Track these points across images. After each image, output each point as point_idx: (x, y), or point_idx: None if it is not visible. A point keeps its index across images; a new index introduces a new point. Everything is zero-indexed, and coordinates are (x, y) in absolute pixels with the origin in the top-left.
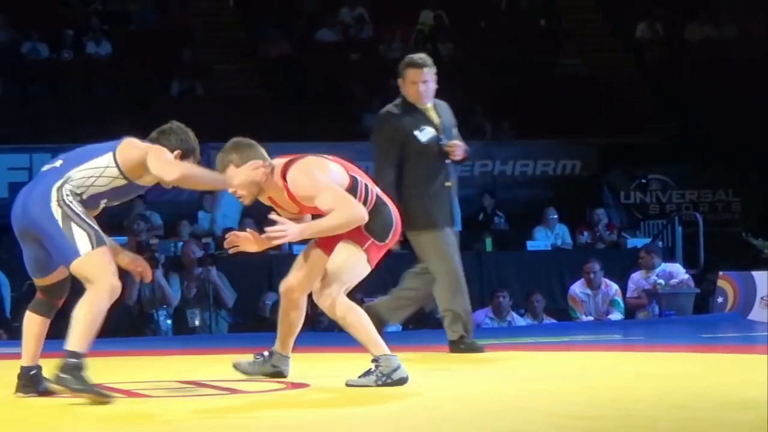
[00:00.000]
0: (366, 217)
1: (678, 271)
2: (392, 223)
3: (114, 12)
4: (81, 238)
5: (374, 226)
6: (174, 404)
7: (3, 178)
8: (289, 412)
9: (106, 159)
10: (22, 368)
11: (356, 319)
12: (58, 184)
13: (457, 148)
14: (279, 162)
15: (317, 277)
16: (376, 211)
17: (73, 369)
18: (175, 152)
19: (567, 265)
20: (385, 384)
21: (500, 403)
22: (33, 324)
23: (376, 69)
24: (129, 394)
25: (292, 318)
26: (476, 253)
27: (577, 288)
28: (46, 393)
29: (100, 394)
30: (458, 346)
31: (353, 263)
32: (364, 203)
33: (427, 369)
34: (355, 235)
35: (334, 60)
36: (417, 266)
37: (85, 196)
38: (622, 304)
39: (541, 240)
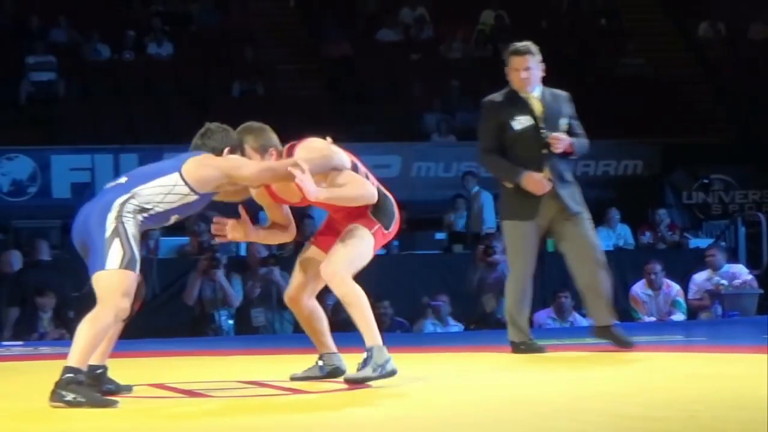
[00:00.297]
0: (376, 197)
1: (741, 271)
2: (395, 212)
3: (175, 13)
4: (114, 255)
5: (380, 213)
6: (234, 404)
7: (65, 178)
8: (351, 411)
9: (173, 178)
10: (89, 366)
11: (360, 302)
12: (122, 199)
13: (558, 140)
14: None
15: (318, 276)
16: (378, 202)
17: (71, 383)
18: (225, 150)
19: (629, 265)
20: (381, 375)
21: (560, 403)
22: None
23: (436, 69)
24: (190, 394)
25: (313, 322)
26: (539, 254)
27: (639, 288)
28: (109, 393)
29: (103, 402)
30: (519, 346)
31: (362, 245)
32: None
33: (488, 369)
34: (363, 220)
35: (394, 60)
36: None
37: (153, 212)
38: (684, 305)
39: (603, 240)
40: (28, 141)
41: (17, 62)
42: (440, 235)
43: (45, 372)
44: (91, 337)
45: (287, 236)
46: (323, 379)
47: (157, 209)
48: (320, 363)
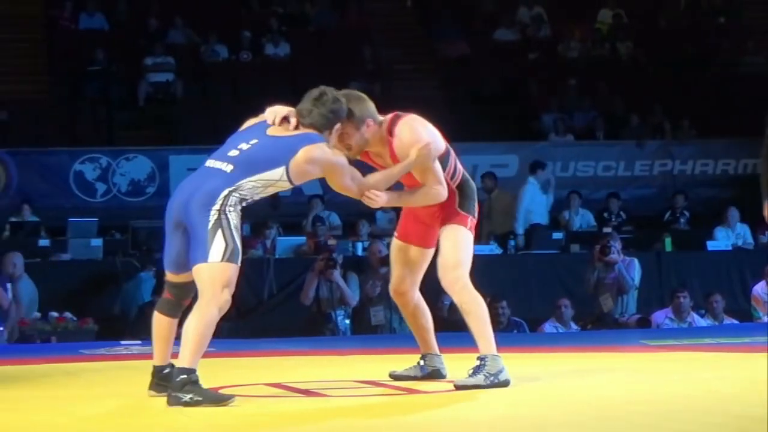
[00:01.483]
0: (444, 198)
1: None
2: (475, 196)
3: (292, 13)
4: (217, 247)
5: (465, 202)
6: (351, 404)
7: (182, 178)
8: (466, 412)
9: (279, 172)
10: (155, 368)
11: (479, 309)
12: (226, 191)
13: None
14: (385, 117)
15: (418, 269)
16: (463, 185)
17: (186, 384)
18: (336, 128)
19: (748, 265)
20: (492, 384)
21: (679, 404)
22: (161, 325)
23: (553, 68)
24: (307, 393)
25: (417, 317)
26: (656, 253)
27: (760, 288)
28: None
29: (220, 399)
30: None
31: (467, 244)
32: (453, 175)
33: (603, 369)
34: (455, 217)
35: (511, 60)
36: None
37: (249, 202)
38: None
39: (722, 240)
40: (147, 141)
41: (136, 63)
42: (557, 235)
43: None
44: (199, 334)
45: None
46: (423, 380)
47: (255, 198)
48: (422, 363)
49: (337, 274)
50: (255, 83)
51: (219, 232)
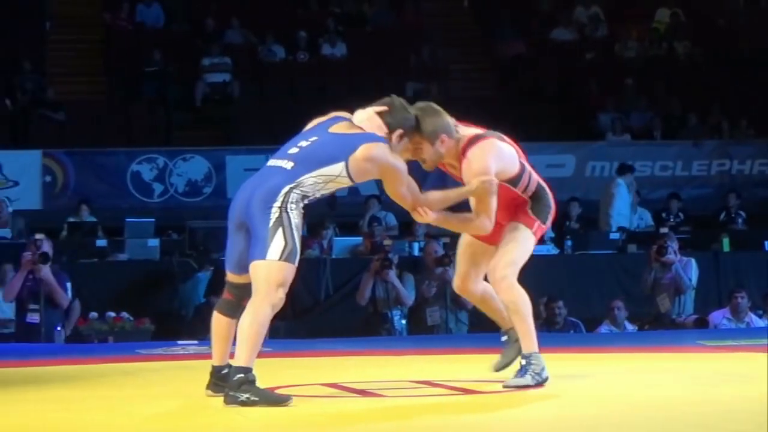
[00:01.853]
0: (489, 230)
1: None
2: (551, 206)
3: (349, 13)
4: (276, 246)
5: (538, 208)
6: (407, 404)
7: (240, 179)
8: (522, 412)
9: (339, 168)
10: (213, 368)
11: (524, 308)
12: (287, 188)
13: None
14: (465, 133)
15: (483, 265)
16: (537, 195)
17: (243, 383)
18: (397, 132)
19: None
20: (537, 383)
21: (737, 405)
22: (220, 325)
23: (610, 68)
24: (363, 393)
25: (488, 302)
26: (713, 253)
27: None
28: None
29: (277, 400)
30: None
31: (526, 245)
32: (525, 189)
33: (662, 370)
34: (524, 218)
35: (568, 59)
36: None
37: (312, 198)
38: None
39: None
40: (204, 142)
41: (193, 64)
42: (615, 235)
43: None
44: (254, 333)
45: (474, 227)
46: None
47: (317, 196)
48: (504, 339)
49: (392, 274)
50: (312, 83)
51: (279, 231)
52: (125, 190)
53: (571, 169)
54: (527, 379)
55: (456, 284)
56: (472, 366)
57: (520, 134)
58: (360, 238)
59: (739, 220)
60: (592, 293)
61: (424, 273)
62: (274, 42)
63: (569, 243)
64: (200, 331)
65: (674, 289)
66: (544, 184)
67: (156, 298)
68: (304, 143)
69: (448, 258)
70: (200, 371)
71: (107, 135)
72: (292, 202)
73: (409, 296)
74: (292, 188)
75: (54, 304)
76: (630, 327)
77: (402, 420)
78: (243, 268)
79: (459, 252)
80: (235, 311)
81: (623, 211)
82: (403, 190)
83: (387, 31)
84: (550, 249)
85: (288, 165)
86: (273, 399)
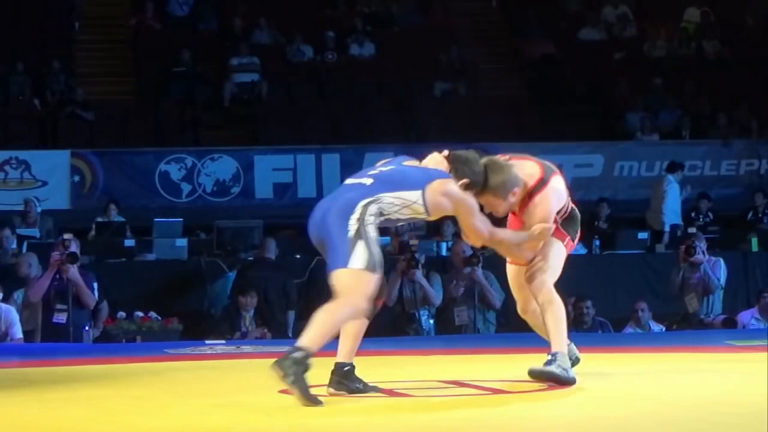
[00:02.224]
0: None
1: None
2: (578, 226)
3: (377, 13)
4: (359, 255)
5: (569, 227)
6: (435, 403)
7: (268, 178)
8: (550, 411)
9: (416, 195)
10: (337, 364)
11: (557, 309)
12: (365, 201)
13: None
14: (523, 172)
15: None
16: (571, 216)
17: (298, 362)
18: (463, 181)
19: None
20: (564, 380)
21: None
22: (352, 322)
23: (639, 68)
24: (391, 393)
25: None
26: (742, 253)
27: None
28: (357, 391)
29: (309, 398)
30: None
31: (559, 256)
32: (565, 213)
33: (691, 370)
34: (557, 233)
35: (597, 59)
36: None
37: (387, 218)
38: None
39: None
40: (232, 142)
41: (221, 64)
42: (643, 235)
43: (247, 371)
44: (329, 323)
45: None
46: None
47: (391, 218)
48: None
49: (419, 274)
50: (339, 83)
51: (360, 242)
52: (153, 189)
53: (599, 168)
54: (552, 367)
55: (520, 309)
56: (500, 366)
57: (548, 134)
58: (388, 238)
59: (766, 220)
60: (620, 293)
61: (451, 273)
62: (302, 42)
63: (597, 243)
64: (228, 331)
65: (702, 289)
66: (575, 208)
67: (184, 298)
68: (382, 168)
69: (476, 258)
70: (228, 371)
71: (136, 135)
72: (370, 214)
73: (437, 296)
74: (370, 202)
75: (81, 304)
76: (655, 327)
77: (430, 420)
78: None
79: (512, 282)
80: (368, 311)
81: (675, 208)
82: (477, 223)
83: (415, 31)
84: (579, 249)
85: (367, 182)
86: (306, 396)
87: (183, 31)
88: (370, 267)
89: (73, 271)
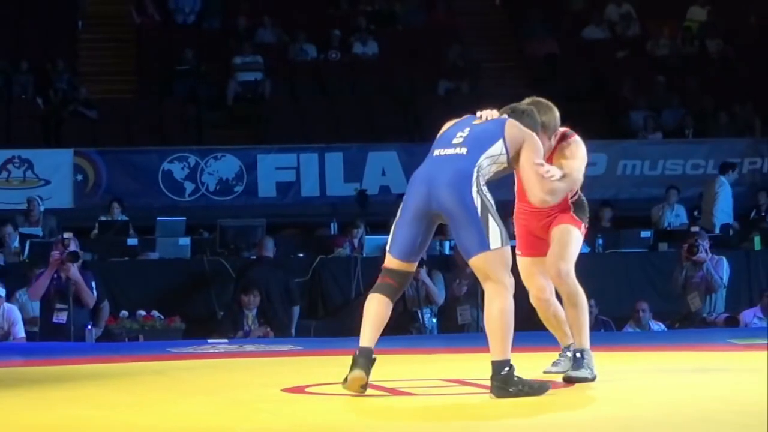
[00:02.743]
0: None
1: None
2: (587, 213)
3: (381, 12)
4: (495, 233)
5: (581, 214)
6: (438, 402)
7: (271, 177)
8: (556, 411)
9: (500, 146)
10: (362, 349)
11: (581, 302)
12: (475, 171)
13: None
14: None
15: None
16: (580, 201)
17: (507, 378)
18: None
19: None
20: (594, 378)
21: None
22: (381, 306)
23: (642, 66)
24: (393, 392)
25: (558, 316)
26: (745, 252)
27: None
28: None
29: (540, 389)
30: None
31: (577, 242)
32: (575, 194)
33: (694, 369)
34: (572, 220)
35: (600, 58)
36: None
37: (487, 182)
38: None
39: None
40: (235, 140)
41: (225, 63)
42: (646, 233)
43: (250, 369)
44: (506, 324)
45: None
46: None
47: (487, 179)
48: (568, 354)
49: (422, 273)
50: (343, 82)
51: (490, 217)
52: (156, 188)
53: (602, 167)
54: (586, 373)
55: (535, 296)
56: None
57: None
58: None
59: None
60: (622, 292)
61: (454, 271)
62: (306, 41)
63: (600, 242)
64: (231, 330)
65: (705, 288)
66: (583, 196)
67: (187, 297)
68: (462, 133)
69: None
70: (231, 370)
71: (139, 134)
72: (483, 185)
73: (440, 295)
74: (478, 171)
75: (81, 303)
76: (655, 326)
77: (433, 419)
78: (413, 256)
79: (524, 274)
80: (395, 295)
81: (726, 209)
82: (537, 160)
83: (418, 30)
84: (582, 248)
85: (462, 150)
86: (537, 388)
87: (186, 29)
88: (505, 242)
89: (74, 270)
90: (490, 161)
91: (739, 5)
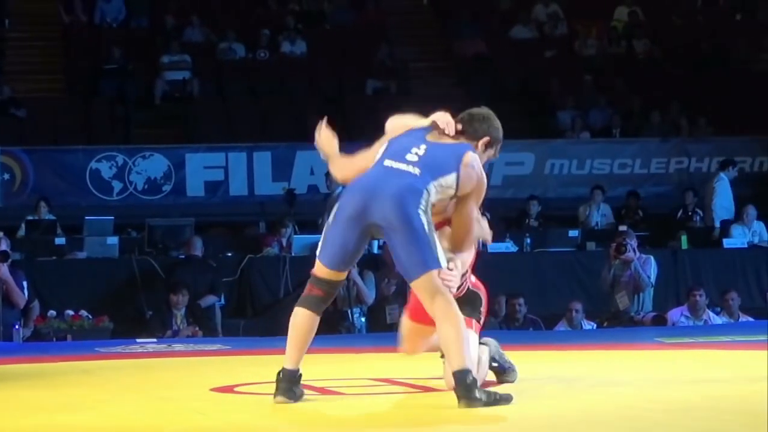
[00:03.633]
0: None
1: None
2: (482, 303)
3: (309, 11)
4: (441, 252)
5: (471, 310)
6: (367, 401)
7: (199, 177)
8: (485, 410)
9: (452, 179)
10: (286, 371)
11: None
12: (425, 193)
13: None
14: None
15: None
16: (470, 295)
17: (472, 386)
18: (484, 139)
19: (765, 262)
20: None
21: (696, 402)
22: (306, 322)
23: (570, 66)
24: (323, 391)
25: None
26: (672, 251)
27: None
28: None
29: (505, 399)
30: None
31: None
32: (463, 287)
33: (621, 367)
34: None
35: (528, 57)
36: None
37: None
38: None
39: (738, 237)
40: (163, 140)
41: (152, 62)
42: (573, 233)
43: (179, 369)
44: (462, 338)
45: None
46: None
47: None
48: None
49: (354, 273)
50: (272, 81)
51: (435, 236)
52: (84, 187)
53: (530, 167)
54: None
55: (407, 353)
56: (431, 364)
57: None
58: (319, 237)
59: (697, 218)
60: (551, 291)
61: (383, 271)
62: (234, 40)
63: (528, 241)
64: (159, 329)
65: (633, 287)
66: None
67: (115, 297)
68: (418, 150)
69: None
70: (159, 369)
71: (66, 133)
72: (429, 206)
73: (370, 295)
74: (428, 193)
75: (11, 303)
76: (587, 325)
77: (362, 417)
78: (347, 264)
79: (405, 335)
80: (322, 306)
81: (725, 204)
82: (474, 207)
83: (347, 29)
84: (509, 246)
85: (414, 170)
86: (503, 396)
87: (114, 28)
88: (445, 262)
89: (4, 270)
90: (439, 189)
91: (664, 5)
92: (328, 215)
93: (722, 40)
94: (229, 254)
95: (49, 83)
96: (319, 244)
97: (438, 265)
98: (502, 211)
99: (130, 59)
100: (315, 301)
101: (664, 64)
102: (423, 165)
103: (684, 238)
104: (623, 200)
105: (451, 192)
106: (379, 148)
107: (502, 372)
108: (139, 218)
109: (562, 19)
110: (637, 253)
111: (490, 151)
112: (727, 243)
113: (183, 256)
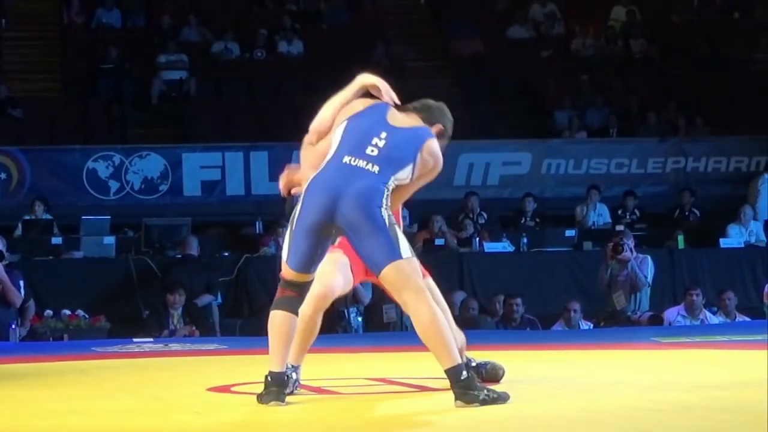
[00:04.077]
0: None
1: None
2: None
3: (306, 11)
4: (404, 243)
5: None
6: (363, 401)
7: (196, 176)
8: (479, 410)
9: (408, 171)
10: (273, 375)
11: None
12: (385, 192)
13: None
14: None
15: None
16: None
17: (469, 382)
18: (438, 126)
19: (761, 262)
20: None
21: (692, 401)
22: (285, 324)
23: (567, 66)
24: (319, 391)
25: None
26: (669, 250)
27: None
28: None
29: (503, 397)
30: None
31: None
32: None
33: (618, 367)
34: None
35: (525, 57)
36: None
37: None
38: None
39: (735, 237)
40: (160, 139)
41: (149, 61)
42: (570, 232)
43: (175, 369)
44: (441, 330)
45: None
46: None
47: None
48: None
49: None
50: (268, 81)
51: (398, 229)
52: (81, 187)
53: (527, 166)
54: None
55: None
56: (428, 363)
57: (476, 132)
58: None
59: (692, 218)
60: (547, 291)
61: None
62: (231, 40)
63: (525, 241)
64: (156, 329)
65: (630, 287)
66: None
67: (112, 296)
68: (378, 142)
69: None
70: (156, 369)
71: (63, 132)
72: (390, 201)
73: (366, 294)
74: (387, 191)
75: (7, 303)
76: (584, 325)
77: (359, 417)
78: (311, 267)
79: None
80: (298, 305)
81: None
82: (414, 187)
83: (343, 29)
84: (506, 246)
85: (374, 168)
86: (501, 394)
87: (111, 28)
88: (413, 254)
89: (0, 270)
90: (396, 182)
91: (661, 5)
92: (288, 218)
93: (719, 40)
94: (226, 254)
95: (46, 83)
96: (284, 247)
97: (399, 256)
98: (499, 211)
99: (127, 59)
100: (290, 301)
101: (661, 63)
102: (382, 160)
103: (681, 238)
104: (620, 200)
105: (407, 181)
106: (338, 127)
107: None
108: (136, 218)
109: (559, 18)
110: (634, 253)
111: (442, 142)
112: (723, 243)
113: (179, 256)
